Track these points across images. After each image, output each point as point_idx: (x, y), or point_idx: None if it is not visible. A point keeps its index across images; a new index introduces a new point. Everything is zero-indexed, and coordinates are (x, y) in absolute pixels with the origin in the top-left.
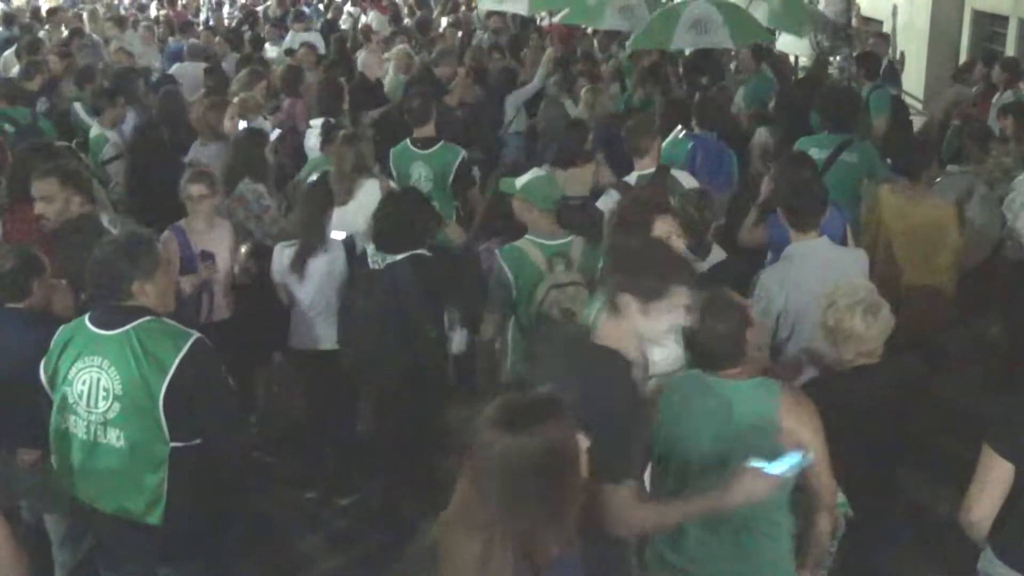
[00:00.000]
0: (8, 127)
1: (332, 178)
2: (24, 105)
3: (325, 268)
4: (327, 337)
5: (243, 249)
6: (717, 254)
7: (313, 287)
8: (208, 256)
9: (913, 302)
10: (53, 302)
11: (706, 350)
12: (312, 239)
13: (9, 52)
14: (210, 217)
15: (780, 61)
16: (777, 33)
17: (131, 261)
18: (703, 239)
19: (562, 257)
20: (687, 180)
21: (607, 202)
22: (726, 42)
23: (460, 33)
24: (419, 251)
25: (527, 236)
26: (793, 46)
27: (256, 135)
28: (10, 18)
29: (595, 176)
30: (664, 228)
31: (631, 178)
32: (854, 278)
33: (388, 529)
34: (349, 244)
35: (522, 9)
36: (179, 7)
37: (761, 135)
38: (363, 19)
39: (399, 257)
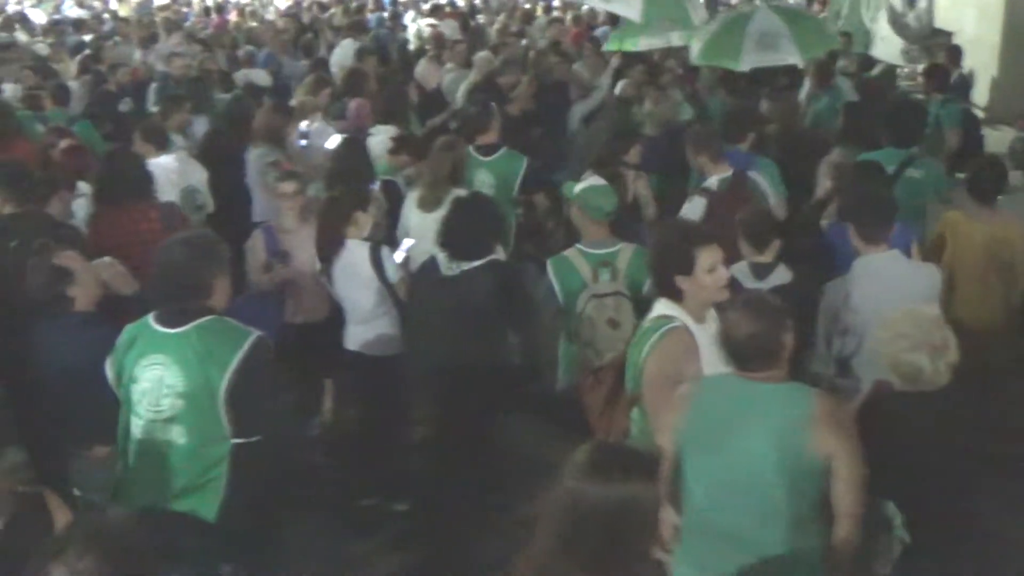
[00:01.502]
0: (39, 127)
1: (424, 183)
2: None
3: (348, 273)
4: (365, 341)
5: None
6: (781, 275)
7: (342, 291)
8: (285, 255)
9: (978, 326)
10: (114, 285)
11: (736, 350)
12: (329, 244)
13: (80, 57)
14: (298, 216)
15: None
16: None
17: (212, 260)
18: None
19: (607, 266)
20: (764, 184)
21: (694, 209)
22: (793, 57)
23: (524, 42)
24: (494, 257)
25: (577, 245)
26: (887, 53)
27: (354, 144)
28: (80, 24)
29: (633, 187)
30: (709, 259)
31: (711, 182)
32: (923, 298)
33: (444, 536)
34: (374, 249)
35: (635, 16)
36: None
37: (835, 154)
38: (417, 24)
39: (476, 264)
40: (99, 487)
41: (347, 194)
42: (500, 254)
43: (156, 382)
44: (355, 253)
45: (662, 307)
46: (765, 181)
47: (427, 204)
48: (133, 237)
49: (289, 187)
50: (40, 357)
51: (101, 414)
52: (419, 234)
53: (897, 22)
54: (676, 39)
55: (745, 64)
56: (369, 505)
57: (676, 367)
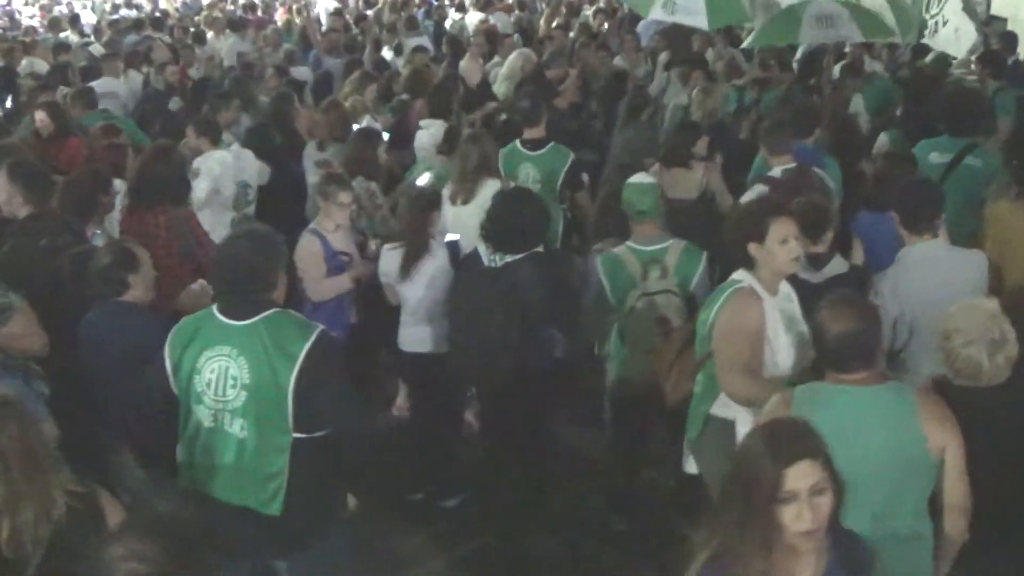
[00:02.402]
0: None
1: (454, 177)
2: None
3: (431, 271)
4: (433, 339)
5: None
6: (837, 265)
7: (420, 290)
8: (347, 256)
9: None
10: (184, 303)
11: (833, 351)
12: (417, 242)
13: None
14: (345, 219)
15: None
16: (931, 30)
17: (276, 254)
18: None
19: (657, 264)
20: (827, 177)
21: (753, 196)
22: (856, 36)
23: (571, 35)
24: (538, 250)
25: (627, 242)
26: (948, 44)
27: (370, 135)
28: (141, 23)
29: (705, 179)
30: (782, 230)
31: (775, 172)
32: (971, 287)
33: (491, 533)
34: (454, 247)
35: (703, 24)
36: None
37: (882, 143)
38: (465, 19)
39: (519, 256)
40: (132, 484)
41: (426, 192)
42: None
43: (221, 373)
44: (438, 251)
45: (737, 275)
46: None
47: (458, 197)
48: (148, 240)
49: (347, 198)
50: (86, 344)
51: (138, 410)
52: (454, 227)
53: (967, 7)
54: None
55: (804, 38)
56: (416, 501)
57: (742, 322)
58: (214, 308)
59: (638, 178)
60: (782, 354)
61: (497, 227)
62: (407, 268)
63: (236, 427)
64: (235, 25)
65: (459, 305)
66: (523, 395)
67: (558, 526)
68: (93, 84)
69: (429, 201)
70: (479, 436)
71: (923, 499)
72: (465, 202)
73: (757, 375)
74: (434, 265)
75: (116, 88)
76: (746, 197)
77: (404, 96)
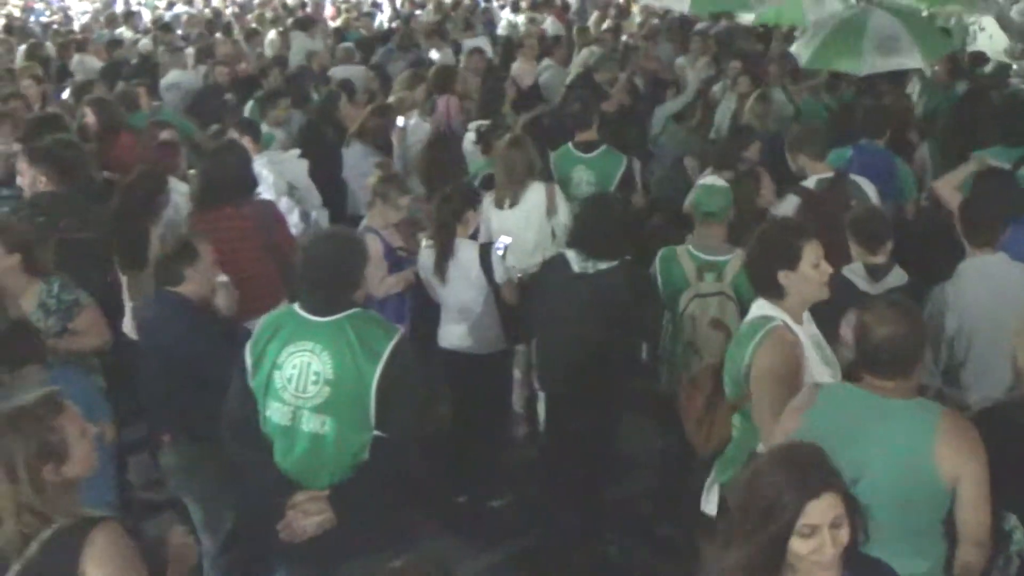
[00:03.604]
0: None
1: (499, 181)
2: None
3: (461, 272)
4: (469, 337)
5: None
6: (896, 276)
7: (453, 288)
8: (404, 252)
9: None
10: (218, 299)
11: (871, 352)
12: (447, 241)
13: (189, 51)
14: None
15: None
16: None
17: (361, 255)
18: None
19: (714, 270)
20: (867, 186)
21: (786, 207)
22: (915, 61)
23: (625, 37)
24: (628, 258)
25: (686, 244)
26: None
27: (446, 141)
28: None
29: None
30: (814, 253)
31: (810, 182)
32: None
33: (537, 534)
34: (484, 249)
35: (684, 7)
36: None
37: (922, 154)
38: (516, 19)
39: (613, 263)
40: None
41: (459, 192)
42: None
43: (303, 369)
44: (465, 252)
45: (760, 308)
46: (891, 181)
47: (502, 201)
48: (224, 234)
49: (405, 200)
50: (137, 327)
51: (181, 403)
52: (500, 231)
53: (1002, 17)
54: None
55: (867, 68)
56: (463, 501)
57: (784, 366)
58: (296, 306)
59: (710, 179)
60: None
61: (588, 233)
62: (440, 267)
63: (316, 423)
64: (303, 24)
65: (548, 309)
66: (601, 401)
67: (605, 530)
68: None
69: (461, 201)
70: (530, 437)
71: (923, 522)
72: (511, 206)
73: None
74: (465, 266)
75: (181, 80)
76: (779, 209)
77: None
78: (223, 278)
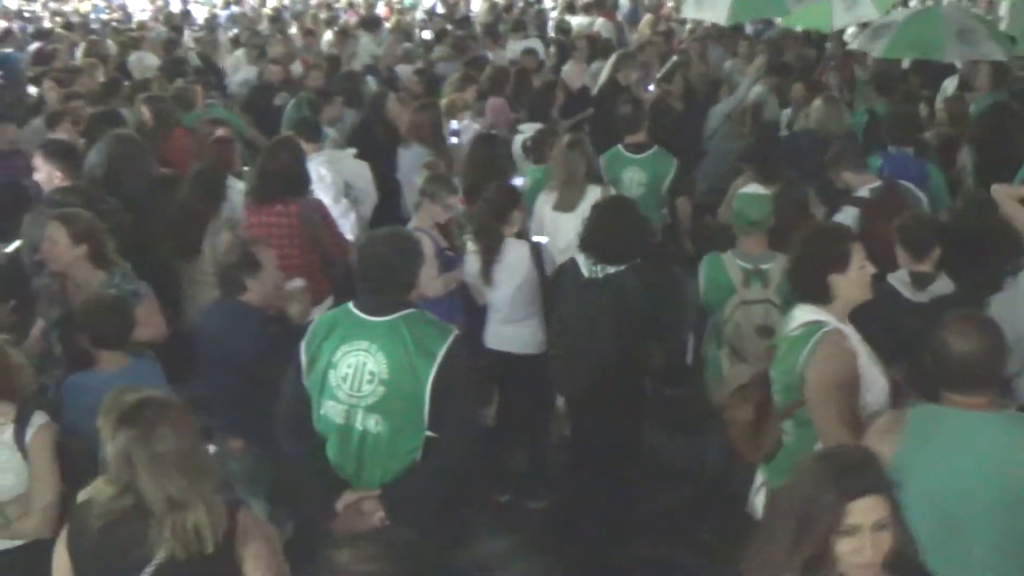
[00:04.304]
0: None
1: (559, 184)
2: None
3: (509, 273)
4: (516, 339)
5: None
6: (943, 285)
7: (501, 290)
8: (451, 252)
9: None
10: (291, 306)
11: (953, 372)
12: (493, 243)
13: (240, 52)
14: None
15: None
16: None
17: (417, 256)
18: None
19: (760, 277)
20: (917, 192)
21: (846, 220)
22: (998, 53)
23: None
24: (639, 261)
25: (732, 250)
26: None
27: (488, 141)
28: (239, 18)
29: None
30: (861, 254)
31: (863, 191)
32: None
33: (578, 536)
34: (535, 249)
35: (721, 19)
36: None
37: (962, 157)
38: (574, 21)
39: (622, 268)
40: (233, 478)
41: (504, 191)
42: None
43: (358, 368)
44: (514, 252)
45: (806, 313)
46: (922, 189)
47: (564, 205)
48: (273, 229)
49: (453, 200)
50: (197, 334)
51: (243, 407)
52: (552, 233)
53: None
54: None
55: (949, 56)
56: (505, 502)
57: (844, 371)
58: (351, 305)
59: (751, 188)
60: (876, 387)
61: (598, 238)
62: (487, 269)
63: (370, 422)
64: (369, 24)
65: (560, 315)
66: (618, 405)
67: (645, 533)
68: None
69: (506, 202)
70: (567, 440)
71: None
72: (570, 209)
73: (860, 424)
74: (512, 267)
75: (250, 77)
76: (839, 219)
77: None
78: (298, 283)
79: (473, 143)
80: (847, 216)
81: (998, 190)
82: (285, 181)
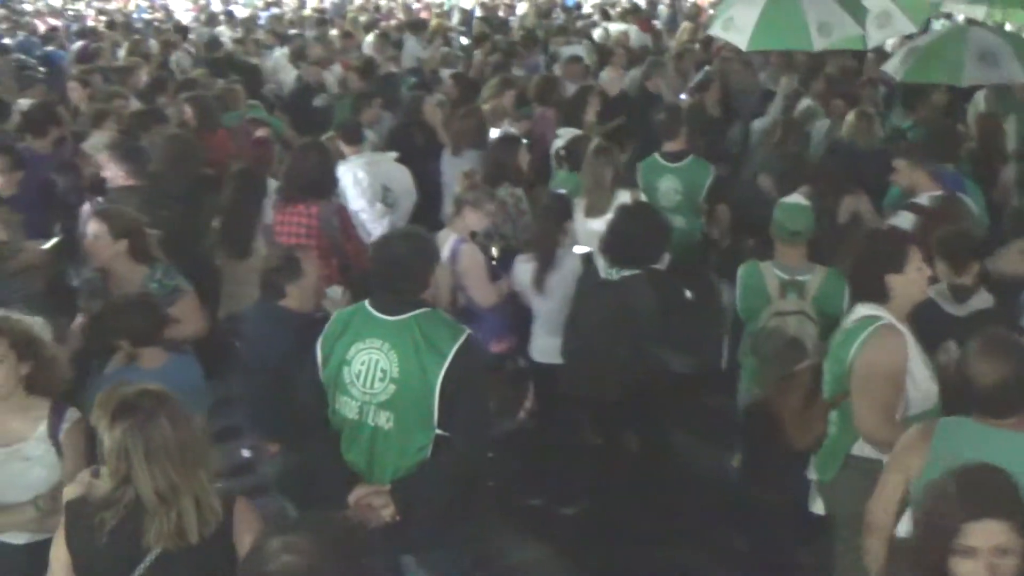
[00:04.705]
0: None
1: (587, 190)
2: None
3: (564, 282)
4: (553, 348)
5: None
6: (983, 299)
7: (552, 301)
8: (493, 260)
9: None
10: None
11: (979, 397)
12: (546, 253)
13: (280, 53)
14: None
15: None
16: None
17: (430, 256)
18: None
19: (796, 288)
20: (972, 206)
21: (902, 223)
22: (1019, 75)
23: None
24: (655, 266)
25: (771, 261)
26: None
27: (511, 141)
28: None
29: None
30: (918, 256)
31: (922, 199)
32: None
33: (609, 543)
34: (588, 259)
35: (742, 44)
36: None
37: (1006, 173)
38: (612, 28)
39: (635, 272)
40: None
41: (561, 200)
42: (662, 264)
43: (371, 365)
44: (568, 263)
45: (864, 310)
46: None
47: (593, 211)
48: (293, 230)
49: (492, 206)
50: (242, 336)
51: (279, 410)
52: (584, 239)
53: None
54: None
55: (966, 80)
56: (536, 506)
57: (890, 363)
58: (366, 303)
59: (793, 199)
60: (924, 386)
61: (615, 241)
62: (540, 279)
63: (382, 419)
64: (415, 27)
65: (574, 317)
66: (634, 410)
67: (678, 541)
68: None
69: (560, 211)
70: (600, 447)
71: None
72: (599, 215)
73: (894, 421)
74: (567, 277)
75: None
76: (895, 223)
77: (533, 103)
78: (338, 291)
79: (492, 144)
80: (903, 221)
81: None
82: (309, 183)
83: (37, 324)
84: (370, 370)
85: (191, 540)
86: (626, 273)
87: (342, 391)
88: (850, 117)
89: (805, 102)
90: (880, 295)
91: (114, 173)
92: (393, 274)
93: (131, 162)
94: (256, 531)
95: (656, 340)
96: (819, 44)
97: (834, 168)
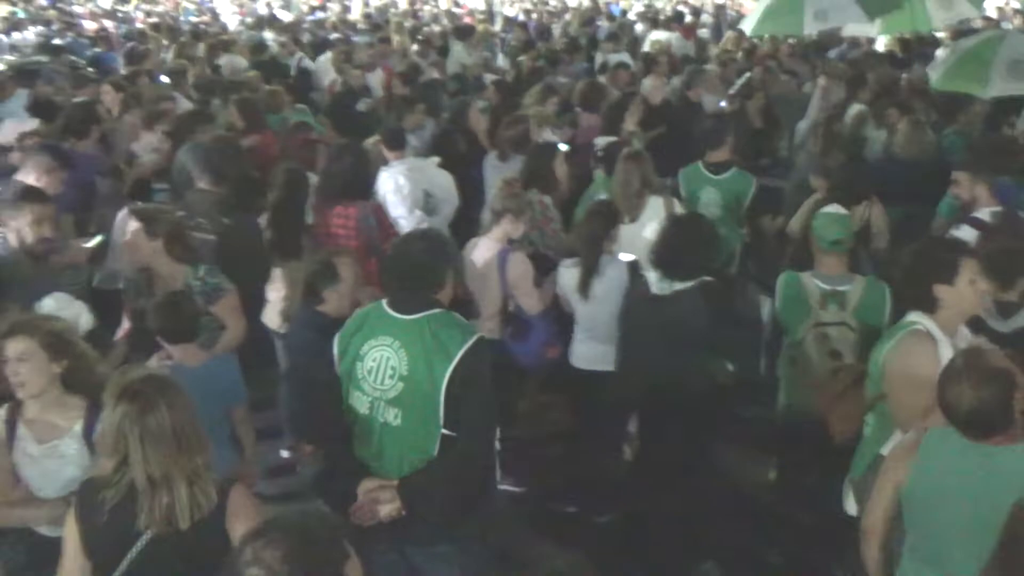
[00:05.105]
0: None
1: (617, 196)
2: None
3: (609, 289)
4: (605, 357)
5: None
6: None
7: (596, 308)
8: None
9: None
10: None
11: (963, 418)
12: (593, 259)
13: (324, 57)
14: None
15: None
16: None
17: (447, 257)
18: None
19: (837, 299)
20: None
21: (962, 237)
22: None
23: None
24: (707, 278)
25: (812, 271)
26: None
27: (546, 148)
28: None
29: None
30: (971, 270)
31: (983, 214)
32: None
33: (642, 553)
34: (634, 266)
35: (747, 30)
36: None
37: None
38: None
39: (689, 284)
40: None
41: (609, 207)
42: (713, 275)
43: (382, 362)
44: (614, 270)
45: (912, 316)
46: None
47: (624, 216)
48: (331, 231)
49: (531, 215)
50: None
51: (314, 412)
52: (620, 245)
53: None
54: None
55: (992, 91)
56: (570, 513)
57: (916, 367)
58: (383, 301)
59: (832, 208)
60: None
61: (667, 253)
62: (585, 285)
63: (390, 415)
64: (461, 33)
65: (626, 330)
66: (683, 422)
67: (711, 553)
68: None
69: (607, 216)
70: (636, 457)
71: None
72: (631, 220)
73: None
74: (612, 283)
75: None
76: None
77: (577, 110)
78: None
79: (529, 152)
80: (964, 234)
81: None
82: (344, 185)
83: (82, 313)
84: (381, 367)
85: (181, 526)
86: (679, 287)
87: (355, 386)
88: (903, 126)
89: (856, 107)
90: (928, 304)
91: (197, 176)
92: (408, 273)
93: (214, 168)
94: (252, 519)
95: (707, 352)
96: (810, 28)
97: (852, 175)
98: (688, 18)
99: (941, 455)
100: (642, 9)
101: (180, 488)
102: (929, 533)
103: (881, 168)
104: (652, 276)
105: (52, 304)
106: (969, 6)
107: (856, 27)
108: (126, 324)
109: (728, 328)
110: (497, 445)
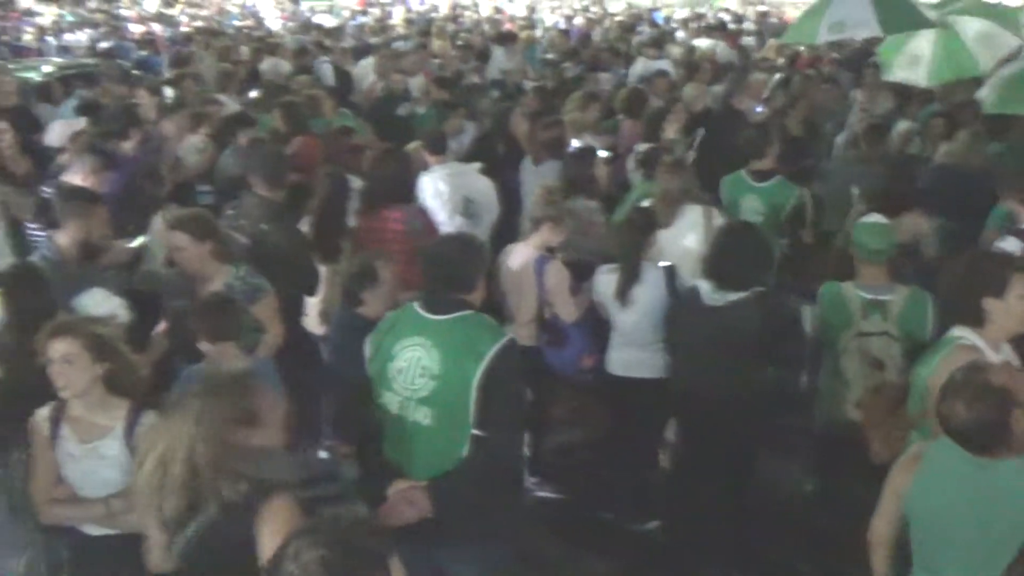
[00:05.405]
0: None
1: (656, 202)
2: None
3: (647, 296)
4: (645, 364)
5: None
6: None
7: (635, 315)
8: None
9: None
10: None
11: (956, 433)
12: (632, 265)
13: (366, 61)
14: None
15: None
16: None
17: (479, 259)
18: None
19: (879, 309)
20: None
21: (1007, 247)
22: None
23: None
24: (761, 288)
25: (852, 282)
26: None
27: (586, 154)
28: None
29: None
30: (1021, 286)
31: None
32: None
33: (678, 562)
34: (670, 273)
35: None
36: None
37: None
38: (700, 43)
39: (743, 295)
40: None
41: (648, 213)
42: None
43: (413, 362)
44: (652, 276)
45: (958, 331)
46: None
47: (660, 222)
48: (378, 235)
49: (570, 222)
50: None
51: (348, 414)
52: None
53: None
54: None
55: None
56: (606, 520)
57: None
58: (415, 303)
59: (873, 218)
60: None
61: (721, 263)
62: (623, 292)
63: (420, 415)
64: (502, 39)
65: (679, 341)
66: (734, 433)
67: (747, 566)
68: None
69: (645, 223)
70: (673, 466)
71: None
72: (666, 226)
73: None
74: (651, 290)
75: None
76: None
77: (620, 116)
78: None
79: (565, 159)
80: (1010, 244)
81: None
82: (389, 189)
83: (120, 309)
84: (412, 366)
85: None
86: (732, 297)
87: (386, 385)
88: (963, 136)
89: (904, 124)
90: (975, 319)
91: (253, 182)
92: (441, 275)
93: (272, 174)
94: (286, 530)
95: (762, 362)
96: (824, 38)
97: (895, 185)
98: (731, 26)
99: (942, 467)
100: (686, 15)
101: (208, 494)
102: (930, 544)
103: (932, 178)
104: (704, 286)
105: (89, 300)
106: (1011, 36)
107: (906, 73)
108: (163, 324)
109: (784, 340)
110: (527, 451)
